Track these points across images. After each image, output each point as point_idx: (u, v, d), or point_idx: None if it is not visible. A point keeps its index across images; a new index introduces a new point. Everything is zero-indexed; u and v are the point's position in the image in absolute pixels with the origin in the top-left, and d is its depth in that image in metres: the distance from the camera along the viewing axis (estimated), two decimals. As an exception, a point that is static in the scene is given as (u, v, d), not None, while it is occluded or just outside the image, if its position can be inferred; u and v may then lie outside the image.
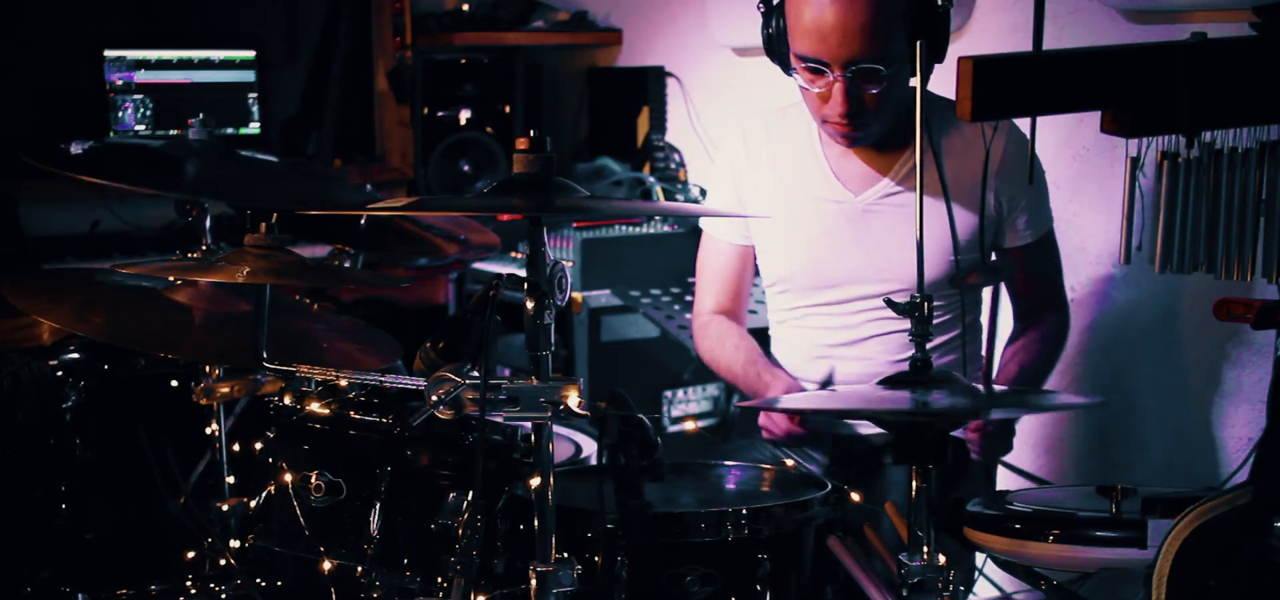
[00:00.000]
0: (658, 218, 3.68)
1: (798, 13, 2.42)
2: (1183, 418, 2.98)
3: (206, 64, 4.08)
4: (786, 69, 2.54)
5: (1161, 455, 3.02)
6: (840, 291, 2.61)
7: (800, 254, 2.64)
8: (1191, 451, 2.96)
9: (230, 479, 2.44)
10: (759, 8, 2.52)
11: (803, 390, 2.62)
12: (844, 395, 2.58)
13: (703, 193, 3.91)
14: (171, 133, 4.01)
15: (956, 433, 2.60)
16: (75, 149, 2.71)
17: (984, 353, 2.77)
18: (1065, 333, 2.73)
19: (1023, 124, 2.57)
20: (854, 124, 2.47)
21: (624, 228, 3.61)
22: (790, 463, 2.53)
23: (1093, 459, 3.16)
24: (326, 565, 2.08)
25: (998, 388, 2.59)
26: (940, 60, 2.38)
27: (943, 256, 2.52)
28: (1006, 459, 2.70)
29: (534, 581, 1.82)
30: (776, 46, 2.51)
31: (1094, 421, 3.16)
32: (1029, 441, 3.22)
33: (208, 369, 2.34)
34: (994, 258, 2.66)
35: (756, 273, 2.81)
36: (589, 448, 2.39)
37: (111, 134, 3.96)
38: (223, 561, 2.31)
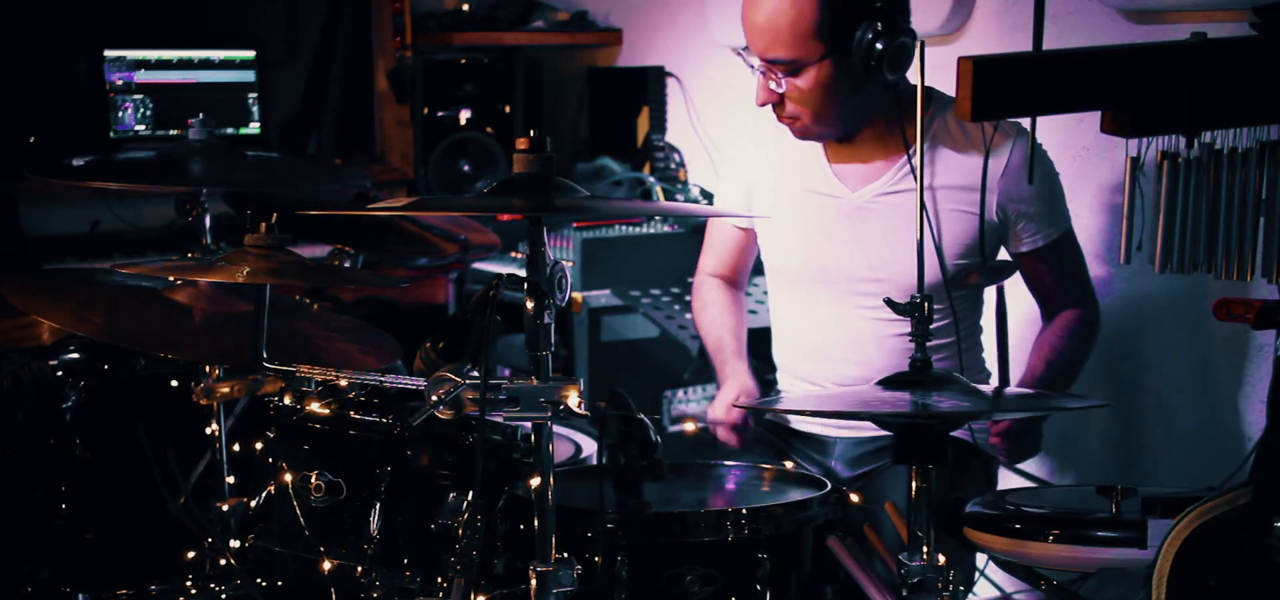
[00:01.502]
0: (658, 218, 3.68)
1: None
2: (1183, 417, 2.98)
3: (206, 64, 4.08)
4: None
5: (1162, 455, 3.02)
6: (834, 287, 2.62)
7: (796, 245, 2.65)
8: (1191, 451, 2.96)
9: (230, 479, 2.44)
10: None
11: (755, 393, 2.63)
12: (844, 396, 2.58)
13: (704, 193, 3.91)
14: (171, 133, 4.01)
15: (976, 435, 2.61)
16: (77, 163, 2.74)
17: (995, 354, 2.76)
18: (1093, 329, 2.71)
19: (1024, 124, 2.57)
20: (778, 113, 2.54)
21: (624, 228, 3.61)
22: (790, 463, 2.53)
23: (1092, 459, 3.16)
24: (326, 565, 2.08)
25: (1010, 390, 2.59)
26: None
27: (928, 260, 2.52)
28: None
29: (534, 581, 1.82)
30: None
31: (1094, 421, 3.15)
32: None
33: (208, 369, 2.34)
34: (1002, 256, 2.66)
35: (761, 271, 2.82)
36: (589, 448, 2.39)
37: (111, 134, 3.96)
38: (223, 561, 2.31)
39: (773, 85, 2.50)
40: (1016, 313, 2.83)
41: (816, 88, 2.47)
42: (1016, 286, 2.73)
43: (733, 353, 2.72)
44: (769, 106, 2.55)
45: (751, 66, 2.53)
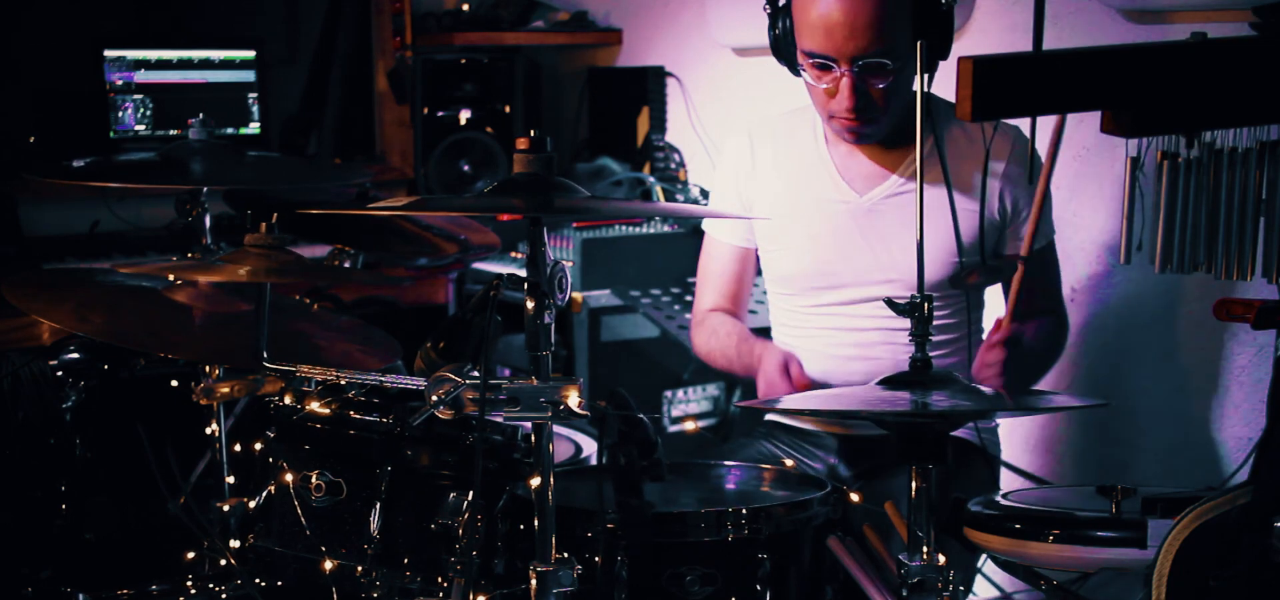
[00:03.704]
0: (658, 218, 3.68)
1: (805, 10, 2.43)
2: (1183, 417, 2.98)
3: (206, 64, 4.08)
4: (794, 69, 2.54)
5: (1161, 455, 3.02)
6: (846, 292, 2.62)
7: (806, 255, 2.64)
8: (1192, 451, 2.96)
9: (230, 479, 2.44)
10: (765, 9, 2.53)
11: (791, 355, 2.57)
12: (844, 395, 2.57)
13: (703, 193, 3.91)
14: (171, 133, 4.01)
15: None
16: (77, 164, 2.74)
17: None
18: (1061, 337, 2.71)
19: (1023, 124, 2.57)
20: (862, 119, 2.48)
21: (624, 228, 3.61)
22: (790, 462, 2.53)
23: (1093, 459, 3.16)
24: (326, 565, 2.08)
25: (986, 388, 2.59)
26: (944, 57, 2.38)
27: (947, 255, 2.52)
28: (1006, 458, 2.70)
29: (534, 581, 1.82)
30: (784, 47, 2.52)
31: (1094, 421, 3.16)
32: (1029, 442, 3.22)
33: (208, 369, 2.34)
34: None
35: (758, 274, 2.81)
36: (589, 448, 2.40)
37: (112, 134, 3.96)
38: (223, 561, 2.31)
39: (880, 85, 2.44)
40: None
41: (902, 85, 2.46)
42: (994, 292, 2.73)
43: (756, 339, 2.68)
44: (847, 112, 2.47)
45: (817, 72, 2.46)
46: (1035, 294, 2.67)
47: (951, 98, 2.50)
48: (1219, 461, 2.90)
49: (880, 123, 2.50)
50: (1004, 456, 2.74)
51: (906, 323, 2.09)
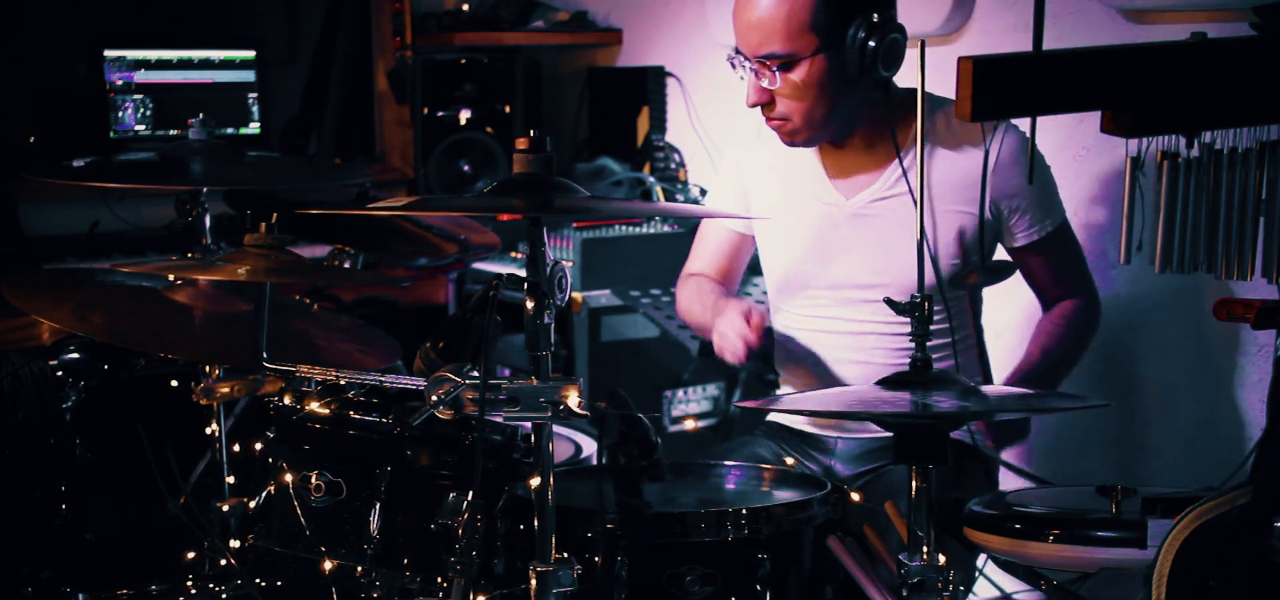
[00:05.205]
0: (658, 218, 3.68)
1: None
2: (1183, 418, 2.98)
3: (206, 64, 4.08)
4: None
5: (1161, 455, 3.02)
6: (840, 294, 2.62)
7: (798, 255, 2.65)
8: (1191, 451, 2.96)
9: (230, 479, 2.44)
10: None
11: (753, 304, 2.58)
12: (844, 395, 2.58)
13: (703, 193, 3.91)
14: (171, 133, 4.01)
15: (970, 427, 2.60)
16: (77, 164, 2.74)
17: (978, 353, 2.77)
18: (1093, 318, 2.71)
19: (1023, 124, 2.57)
20: (769, 116, 2.52)
21: (624, 228, 3.61)
22: (790, 461, 2.53)
23: (1093, 459, 3.16)
24: (326, 565, 2.08)
25: (994, 391, 2.59)
26: (862, 70, 2.41)
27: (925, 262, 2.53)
28: (1007, 458, 2.70)
29: (534, 581, 1.82)
30: None
31: (1094, 421, 3.15)
32: (1029, 441, 3.22)
33: (208, 369, 2.34)
34: (1001, 256, 2.66)
35: (759, 273, 2.82)
36: (589, 448, 2.40)
37: (112, 134, 3.96)
38: (223, 561, 2.31)
39: (765, 82, 2.48)
40: (992, 313, 2.83)
41: (809, 84, 2.46)
42: (994, 289, 2.73)
43: (721, 295, 2.69)
44: (761, 110, 2.53)
45: (743, 69, 2.52)
46: (1058, 277, 2.67)
47: (937, 91, 2.51)
48: (1219, 461, 2.90)
49: (797, 125, 2.51)
50: (1004, 456, 2.74)
51: (901, 324, 2.09)
